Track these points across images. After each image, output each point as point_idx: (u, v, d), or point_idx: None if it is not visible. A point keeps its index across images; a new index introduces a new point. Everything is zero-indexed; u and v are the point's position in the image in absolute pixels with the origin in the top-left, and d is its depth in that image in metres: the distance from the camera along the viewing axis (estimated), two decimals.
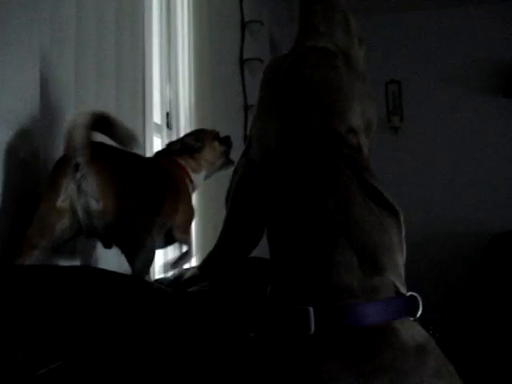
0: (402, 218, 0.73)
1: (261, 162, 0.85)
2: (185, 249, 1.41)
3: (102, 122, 1.12)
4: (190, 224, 1.44)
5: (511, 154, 4.72)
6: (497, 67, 4.78)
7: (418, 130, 4.76)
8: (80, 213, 1.06)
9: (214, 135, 1.59)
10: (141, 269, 1.13)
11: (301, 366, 0.75)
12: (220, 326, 0.90)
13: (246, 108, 3.24)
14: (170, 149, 1.51)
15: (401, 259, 0.72)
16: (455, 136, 4.83)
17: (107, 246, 1.17)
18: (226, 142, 1.62)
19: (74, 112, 1.25)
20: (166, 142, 2.00)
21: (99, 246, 1.22)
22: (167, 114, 2.12)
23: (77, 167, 1.04)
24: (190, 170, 1.49)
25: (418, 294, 0.83)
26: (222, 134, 1.65)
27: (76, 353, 0.65)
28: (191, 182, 1.48)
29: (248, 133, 3.14)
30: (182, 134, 2.14)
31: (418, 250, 4.21)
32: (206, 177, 1.57)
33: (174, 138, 2.12)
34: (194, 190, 1.51)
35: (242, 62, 3.22)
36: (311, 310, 0.76)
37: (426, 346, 0.76)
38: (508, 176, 4.71)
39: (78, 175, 1.04)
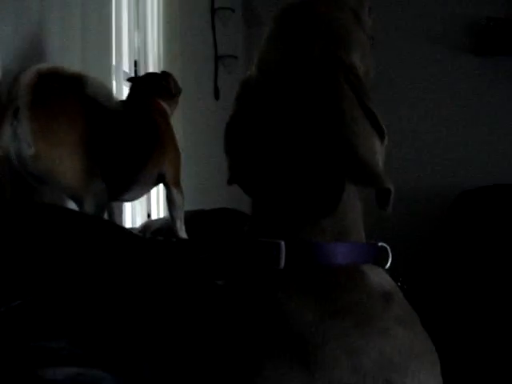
0: (386, 139, 0.79)
1: (258, 80, 0.86)
2: (178, 200, 1.39)
3: (66, 77, 1.11)
4: (179, 172, 1.42)
5: (480, 111, 4.79)
6: (469, 25, 4.80)
7: (388, 84, 4.77)
8: (13, 158, 1.04)
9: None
10: (90, 213, 1.11)
11: (268, 303, 0.75)
12: (190, 273, 0.91)
13: (217, 58, 3.19)
14: (161, 83, 1.46)
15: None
16: (425, 92, 4.86)
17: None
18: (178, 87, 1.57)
19: (34, 57, 1.23)
20: None
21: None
22: (135, 62, 2.09)
23: (16, 112, 1.02)
24: (169, 114, 1.46)
25: None
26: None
27: (39, 291, 0.65)
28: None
29: (218, 84, 3.09)
30: None
31: None
32: None
33: None
34: None
35: (213, 12, 3.14)
36: (283, 243, 0.76)
37: (392, 294, 0.77)
38: (475, 133, 4.78)
39: (15, 121, 1.02)
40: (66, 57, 1.36)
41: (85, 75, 1.16)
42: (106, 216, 1.24)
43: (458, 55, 4.83)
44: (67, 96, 1.14)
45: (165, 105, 1.44)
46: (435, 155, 4.79)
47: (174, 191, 1.37)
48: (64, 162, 1.07)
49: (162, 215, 2.18)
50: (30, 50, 1.23)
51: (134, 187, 1.29)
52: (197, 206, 1.81)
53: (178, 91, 1.51)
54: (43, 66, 1.05)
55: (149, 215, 2.17)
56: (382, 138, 0.78)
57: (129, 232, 0.91)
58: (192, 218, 1.47)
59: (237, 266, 0.83)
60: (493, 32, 4.63)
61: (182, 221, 1.39)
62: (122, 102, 1.44)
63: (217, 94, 3.18)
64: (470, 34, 4.79)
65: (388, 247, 0.84)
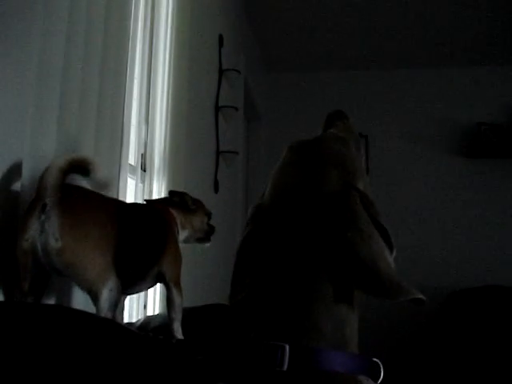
0: (394, 251, 0.92)
1: (273, 203, 0.95)
2: (177, 301, 1.41)
3: (80, 165, 1.16)
4: (179, 272, 1.46)
5: (471, 212, 4.87)
6: (460, 128, 4.98)
7: (382, 183, 4.87)
8: (39, 251, 1.08)
9: (207, 211, 1.66)
10: (105, 308, 1.14)
11: None
12: (192, 376, 0.91)
13: (218, 153, 3.30)
14: (172, 199, 1.56)
15: None
16: (417, 192, 4.97)
17: None
18: (211, 226, 1.67)
19: (54, 152, 1.28)
20: (140, 183, 2.03)
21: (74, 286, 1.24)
22: (142, 156, 2.15)
23: (44, 208, 1.08)
24: (178, 223, 1.52)
25: (373, 349, 0.90)
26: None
27: None
28: (178, 233, 1.52)
29: (218, 178, 3.16)
30: (155, 177, 2.17)
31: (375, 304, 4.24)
32: (184, 240, 1.60)
33: (148, 180, 2.15)
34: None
35: (217, 109, 3.28)
36: (287, 347, 0.80)
37: None
38: (466, 234, 4.84)
39: (43, 216, 1.07)
40: (78, 146, 1.41)
41: (92, 161, 1.20)
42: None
43: (450, 157, 4.98)
44: (92, 192, 1.21)
45: (175, 213, 1.52)
46: (426, 256, 4.82)
47: (174, 291, 1.40)
48: (87, 257, 1.11)
49: (157, 306, 2.17)
50: (47, 140, 1.28)
51: (139, 284, 1.33)
52: (193, 303, 1.81)
53: (197, 207, 1.60)
54: (61, 160, 1.11)
55: (145, 306, 2.16)
56: (391, 250, 0.89)
57: (131, 333, 0.92)
58: (185, 316, 1.47)
59: (240, 366, 0.85)
60: (483, 136, 4.81)
61: (180, 322, 1.41)
62: (139, 205, 1.55)
63: (216, 188, 3.25)
64: (463, 138, 4.96)
65: (380, 363, 0.88)
